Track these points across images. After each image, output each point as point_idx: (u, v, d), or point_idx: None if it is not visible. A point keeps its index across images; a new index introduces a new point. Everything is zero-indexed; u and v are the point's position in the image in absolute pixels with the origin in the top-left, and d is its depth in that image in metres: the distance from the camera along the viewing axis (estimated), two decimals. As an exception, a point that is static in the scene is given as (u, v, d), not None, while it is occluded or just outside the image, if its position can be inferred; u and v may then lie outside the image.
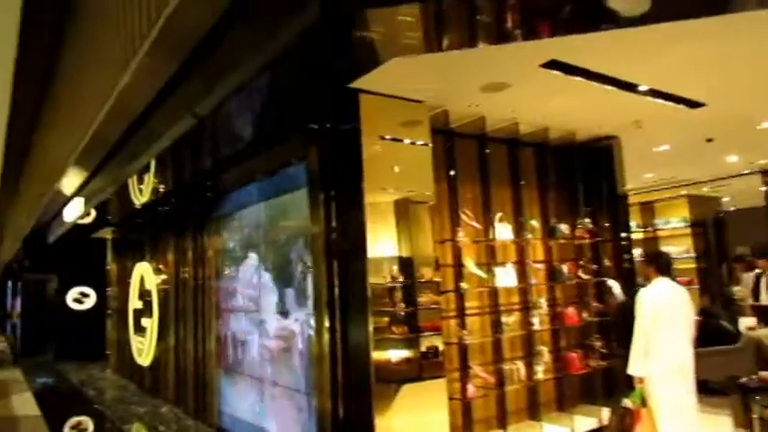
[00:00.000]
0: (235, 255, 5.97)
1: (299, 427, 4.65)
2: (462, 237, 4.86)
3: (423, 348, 4.08)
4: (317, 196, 4.47)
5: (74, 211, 8.02)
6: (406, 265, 4.12)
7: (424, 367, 4.05)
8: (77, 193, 7.26)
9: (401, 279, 4.05)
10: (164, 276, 8.06)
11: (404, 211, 4.19)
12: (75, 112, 6.14)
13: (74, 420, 7.25)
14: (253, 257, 5.58)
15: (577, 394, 5.63)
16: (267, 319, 5.25)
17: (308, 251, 4.62)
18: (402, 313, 4.03)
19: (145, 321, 8.67)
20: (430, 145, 4.37)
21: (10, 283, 19.76)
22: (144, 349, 8.59)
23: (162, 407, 7.37)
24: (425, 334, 4.12)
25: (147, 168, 7.38)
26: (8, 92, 8.26)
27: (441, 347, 4.19)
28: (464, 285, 4.84)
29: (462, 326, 4.83)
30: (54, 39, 7.27)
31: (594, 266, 5.82)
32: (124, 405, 7.68)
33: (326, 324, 4.25)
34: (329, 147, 4.39)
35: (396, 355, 3.94)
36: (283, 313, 5.01)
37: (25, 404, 8.21)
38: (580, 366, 5.47)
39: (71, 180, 6.88)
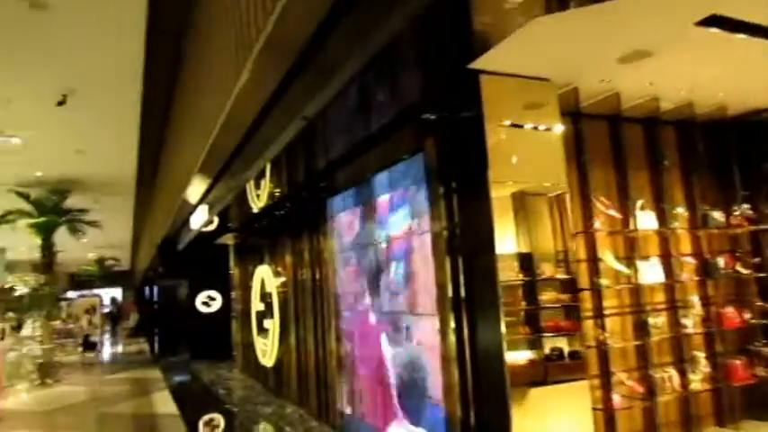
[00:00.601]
0: (351, 255, 5.89)
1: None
2: (599, 227, 4.37)
3: (546, 350, 3.73)
4: (437, 190, 4.23)
5: (199, 219, 8.45)
6: (526, 261, 3.78)
7: (548, 370, 3.70)
8: (202, 200, 7.61)
9: (522, 276, 3.72)
10: (283, 279, 8.24)
11: (524, 203, 3.84)
12: (196, 124, 6.46)
13: (207, 419, 7.58)
14: (368, 257, 5.44)
15: (741, 408, 4.89)
16: (388, 318, 5.08)
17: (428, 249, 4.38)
18: (524, 313, 3.73)
19: (267, 323, 8.93)
20: (560, 128, 3.96)
21: (147, 289, 21.60)
22: (267, 350, 8.85)
23: (287, 407, 7.51)
24: (549, 335, 3.76)
25: (263, 174, 7.60)
26: (138, 111, 8.94)
27: (566, 349, 3.81)
28: (602, 282, 4.35)
29: (601, 327, 4.34)
30: (174, 58, 7.73)
31: (756, 259, 5.04)
32: (251, 405, 7.93)
33: (452, 325, 3.99)
34: (448, 137, 4.12)
35: (519, 357, 3.61)
36: (402, 313, 4.81)
37: (164, 402, 8.77)
38: (744, 376, 4.75)
39: (196, 189, 7.23)
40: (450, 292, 4.04)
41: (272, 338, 8.58)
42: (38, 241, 12.91)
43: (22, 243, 16.58)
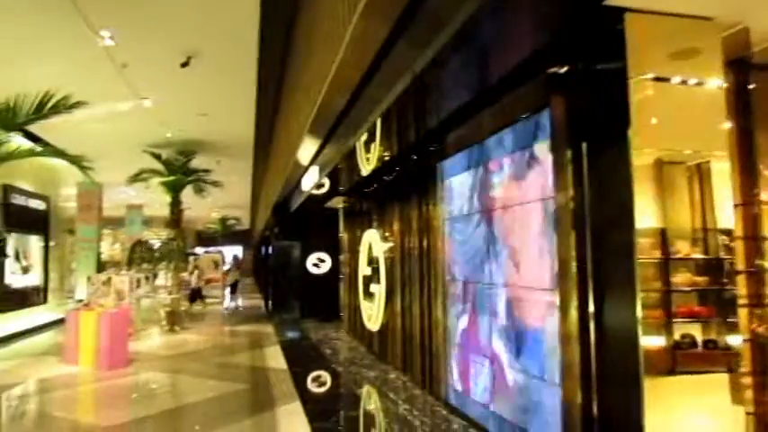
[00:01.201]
0: (461, 221, 5.55)
1: (538, 417, 4.05)
2: (766, 199, 3.66)
3: (676, 337, 3.19)
4: (564, 154, 3.75)
5: (310, 180, 8.51)
6: (662, 237, 3.22)
7: (678, 359, 3.16)
8: (312, 162, 7.61)
9: (657, 254, 3.18)
10: (390, 243, 8.11)
11: (664, 171, 3.26)
12: (306, 85, 6.38)
13: (313, 376, 7.75)
14: (481, 225, 5.08)
15: None
16: (499, 291, 4.72)
17: (549, 218, 3.93)
18: (656, 295, 3.19)
19: (373, 287, 8.91)
20: (721, 81, 3.29)
21: (263, 249, 22.77)
22: (373, 314, 8.85)
23: (390, 373, 7.46)
24: (680, 320, 3.22)
25: (372, 137, 7.43)
26: (255, 73, 9.12)
27: (700, 338, 3.25)
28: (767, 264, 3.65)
29: (760, 318, 3.67)
30: (288, 20, 7.69)
31: None
32: (356, 367, 7.99)
33: (575, 303, 3.56)
34: (581, 92, 3.61)
35: (648, 342, 3.11)
36: (515, 286, 4.42)
37: (275, 356, 9.13)
38: None
39: (306, 150, 7.22)
40: (574, 268, 3.60)
41: (378, 303, 8.54)
42: (168, 199, 13.92)
43: (156, 201, 18.12)
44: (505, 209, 4.67)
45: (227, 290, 20.77)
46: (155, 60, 8.02)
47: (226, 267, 23.69)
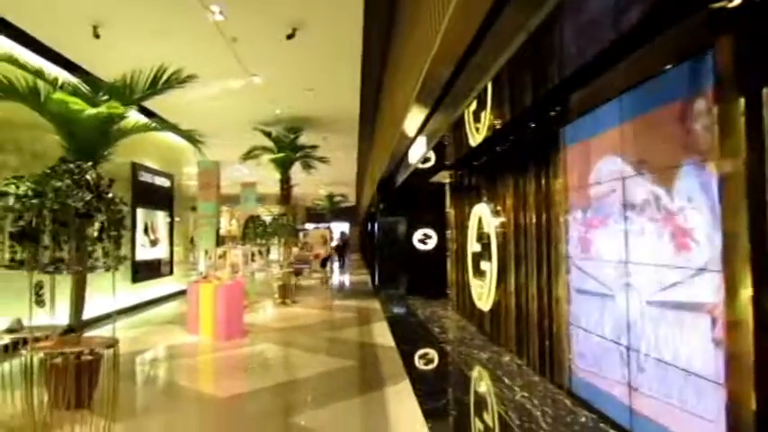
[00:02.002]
0: (589, 192, 4.93)
1: (690, 419, 3.45)
2: None
3: None
4: (732, 110, 3.06)
5: (417, 152, 8.16)
6: None
7: None
8: (419, 132, 7.26)
9: None
10: (502, 219, 7.58)
11: None
12: (412, 51, 6.03)
13: (422, 355, 7.50)
14: (614, 195, 4.44)
15: None
16: (640, 269, 4.10)
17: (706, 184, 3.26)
18: None
19: (483, 265, 8.45)
20: None
21: (369, 225, 22.96)
22: (483, 293, 8.41)
23: (503, 355, 7.02)
24: None
25: (482, 105, 6.91)
26: (359, 46, 8.87)
27: None
28: None
29: None
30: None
31: None
32: (465, 347, 7.62)
33: (747, 284, 2.92)
34: (756, 31, 2.90)
35: None
36: (658, 265, 3.79)
37: (382, 332, 9.01)
38: None
39: (413, 120, 6.87)
40: (746, 243, 2.94)
41: (489, 281, 8.08)
42: (277, 176, 14.28)
43: (268, 178, 18.77)
44: (647, 175, 4.01)
45: (335, 263, 21.24)
46: (262, 34, 8.02)
47: (334, 243, 24.30)
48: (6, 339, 4.09)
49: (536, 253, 6.26)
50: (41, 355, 3.97)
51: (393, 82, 8.62)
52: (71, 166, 3.93)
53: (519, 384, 5.70)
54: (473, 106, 7.02)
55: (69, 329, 4.06)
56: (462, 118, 7.50)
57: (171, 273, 14.39)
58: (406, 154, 9.15)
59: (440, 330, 9.07)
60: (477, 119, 7.34)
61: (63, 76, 6.60)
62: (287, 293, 12.83)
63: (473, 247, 9.18)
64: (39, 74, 4.86)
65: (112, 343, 4.21)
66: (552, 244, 5.79)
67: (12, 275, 4.04)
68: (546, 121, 5.82)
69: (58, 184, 3.75)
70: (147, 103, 10.27)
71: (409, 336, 8.74)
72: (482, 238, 8.61)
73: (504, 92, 6.23)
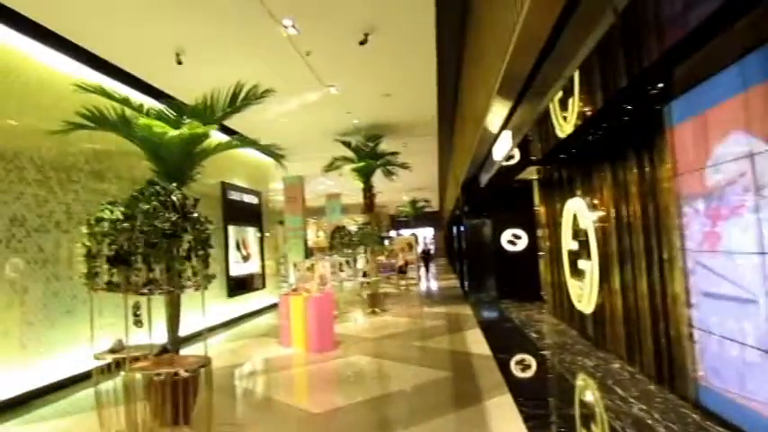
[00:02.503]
0: (703, 178, 4.34)
1: None
2: None
3: None
4: None
5: (502, 149, 7.74)
6: None
7: None
8: (504, 127, 6.85)
9: None
10: (601, 213, 6.99)
11: None
12: (491, 45, 5.70)
13: (521, 364, 7.04)
14: (742, 179, 3.85)
15: None
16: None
17: None
18: None
19: (582, 263, 7.85)
20: None
21: (454, 229, 22.52)
22: (584, 294, 7.81)
23: (611, 362, 6.42)
24: None
25: (570, 92, 6.40)
26: (433, 47, 8.61)
27: None
28: None
29: None
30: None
31: None
32: (568, 354, 7.07)
33: None
34: None
35: None
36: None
37: (476, 339, 8.62)
38: None
39: (496, 114, 6.50)
40: None
41: (590, 281, 7.47)
42: (360, 185, 14.28)
43: (352, 188, 18.91)
44: (781, 151, 3.42)
45: (422, 269, 20.97)
46: (334, 43, 7.97)
47: (420, 249, 24.09)
48: (109, 359, 4.19)
49: (643, 248, 5.67)
50: (138, 375, 4.02)
51: (471, 78, 8.28)
52: (157, 188, 3.98)
53: (634, 395, 5.13)
54: (559, 94, 6.54)
55: (164, 350, 4.09)
56: (547, 109, 7.02)
57: (263, 286, 14.78)
58: (489, 152, 8.75)
59: (537, 336, 8.53)
60: (564, 107, 6.83)
61: (149, 102, 6.87)
62: (376, 302, 12.73)
63: (569, 245, 8.58)
64: (125, 102, 5.03)
65: (205, 362, 4.21)
66: (663, 237, 5.20)
67: (114, 297, 4.17)
68: (645, 101, 5.25)
69: (146, 206, 3.80)
70: (231, 124, 10.58)
71: (505, 343, 8.29)
72: (578, 234, 8.01)
73: (593, 76, 5.72)
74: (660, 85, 4.86)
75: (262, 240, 14.96)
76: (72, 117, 5.26)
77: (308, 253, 19.93)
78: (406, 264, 20.75)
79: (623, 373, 5.93)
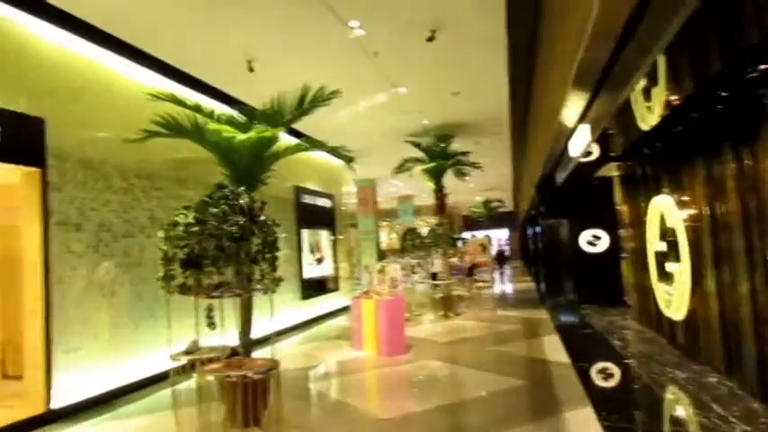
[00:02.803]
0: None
1: None
2: None
3: None
4: None
5: (579, 143, 7.31)
6: None
7: None
8: (581, 119, 6.46)
9: None
10: (692, 211, 6.43)
11: None
12: (565, 33, 5.37)
13: (603, 375, 6.60)
14: None
15: None
16: None
17: None
18: None
19: (670, 266, 7.27)
20: None
21: (529, 229, 21.81)
22: (673, 299, 7.22)
23: (706, 375, 5.87)
24: None
25: (654, 80, 5.92)
26: (503, 41, 8.30)
27: None
28: None
29: None
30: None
31: None
32: (657, 365, 6.54)
33: None
34: None
35: None
36: None
37: (553, 346, 8.21)
38: None
39: (572, 107, 6.13)
40: None
41: (680, 285, 6.90)
42: (431, 185, 14.10)
43: (423, 190, 18.79)
44: None
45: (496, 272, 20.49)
46: (401, 41, 7.85)
47: (494, 250, 23.55)
48: (184, 360, 4.29)
49: (744, 248, 5.12)
50: (210, 377, 4.08)
51: (545, 70, 7.90)
52: (226, 192, 4.03)
53: (736, 414, 4.63)
54: (641, 83, 6.08)
55: (233, 353, 4.13)
56: (628, 101, 6.55)
57: (337, 289, 14.92)
58: (565, 148, 8.31)
59: (621, 344, 7.99)
60: (647, 97, 6.34)
61: (222, 109, 7.04)
62: (449, 305, 12.49)
63: (655, 245, 7.98)
64: (197, 108, 5.17)
65: (273, 365, 4.20)
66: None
67: (192, 299, 4.27)
68: (743, 86, 4.74)
69: (215, 210, 3.85)
70: (301, 129, 10.72)
71: (586, 351, 7.82)
72: (666, 234, 7.43)
73: (680, 61, 5.26)
74: (762, 66, 4.37)
75: (335, 243, 15.12)
76: (150, 126, 5.47)
77: (381, 255, 19.98)
78: (474, 266, 20.36)
79: (721, 388, 5.39)
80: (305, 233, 12.94)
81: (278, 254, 4.14)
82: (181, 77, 8.30)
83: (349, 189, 17.59)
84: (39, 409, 5.69)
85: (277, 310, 11.21)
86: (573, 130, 7.05)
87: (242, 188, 4.17)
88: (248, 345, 5.14)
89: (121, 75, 7.24)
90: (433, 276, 13.65)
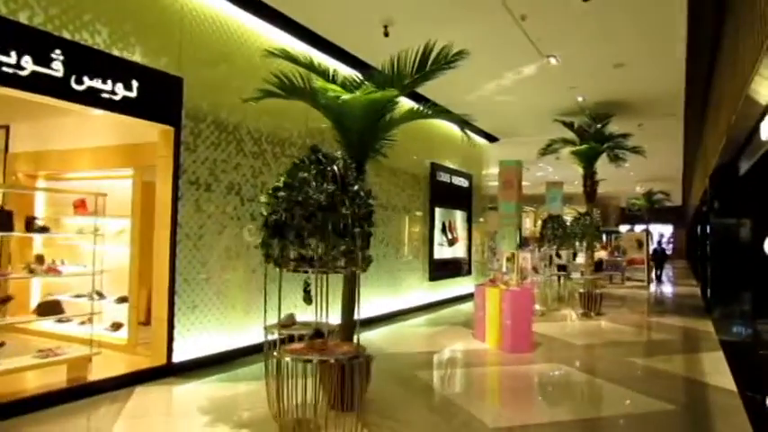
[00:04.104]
0: None
1: None
2: None
3: None
4: None
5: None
6: None
7: None
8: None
9: None
10: None
11: None
12: None
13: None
14: None
15: None
16: None
17: None
18: None
19: None
20: None
21: (699, 227, 19.10)
22: None
23: None
24: None
25: None
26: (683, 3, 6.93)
27: None
28: None
29: None
30: None
31: None
32: None
33: None
34: None
35: None
36: None
37: (715, 367, 6.85)
38: None
39: (766, 79, 4.82)
40: None
41: None
42: (579, 170, 12.75)
43: (577, 177, 17.22)
44: None
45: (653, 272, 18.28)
46: (555, 2, 6.88)
47: (652, 247, 21.08)
48: (275, 334, 4.08)
49: None
50: (287, 359, 3.80)
51: (734, 35, 6.42)
52: (320, 156, 3.66)
53: None
54: None
55: (317, 333, 3.80)
56: None
57: (469, 273, 14.30)
58: (755, 129, 6.75)
59: (811, 377, 6.37)
60: None
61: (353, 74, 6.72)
62: (590, 303, 11.24)
63: None
64: (311, 66, 4.88)
65: (357, 354, 3.80)
66: None
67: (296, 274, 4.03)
68: None
69: (304, 174, 3.51)
70: (443, 102, 10.14)
71: (759, 376, 6.36)
72: None
73: None
74: None
75: (470, 225, 14.46)
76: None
77: (523, 242, 18.82)
78: (601, 261, 18.37)
79: None
80: (438, 212, 12.47)
81: (371, 229, 3.69)
82: (318, 42, 8.07)
83: (492, 171, 16.67)
84: (160, 361, 5.97)
85: (402, 290, 10.99)
86: (766, 108, 5.62)
87: (339, 152, 3.78)
88: (350, 326, 4.83)
89: (262, 39, 7.26)
90: (561, 268, 12.40)
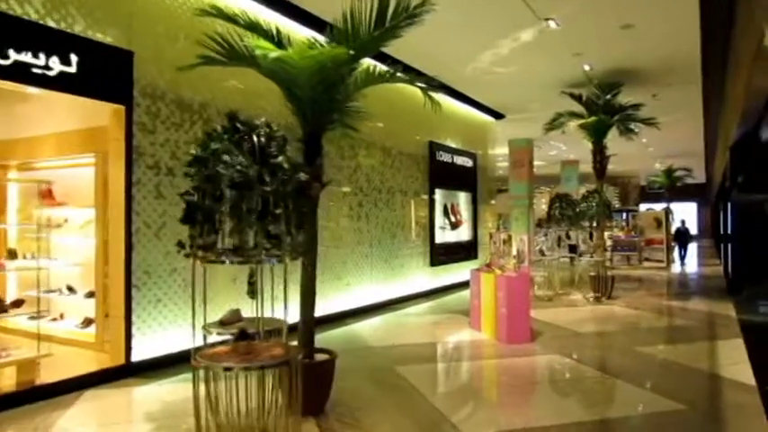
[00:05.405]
0: None
1: None
2: None
3: None
4: None
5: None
6: None
7: None
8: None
9: None
10: None
11: None
12: None
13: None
14: None
15: None
16: None
17: None
18: None
19: None
20: None
21: (721, 205, 18.13)
22: None
23: None
24: None
25: None
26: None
27: None
28: None
29: None
30: None
31: None
32: None
33: None
34: None
35: None
36: None
37: (732, 358, 6.14)
38: None
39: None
40: None
41: None
42: (588, 145, 11.95)
43: (590, 156, 16.36)
44: None
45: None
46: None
47: (675, 226, 20.15)
48: (214, 334, 3.55)
49: None
50: (203, 366, 3.25)
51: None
52: (237, 124, 3.08)
53: None
54: None
55: (242, 335, 3.25)
56: None
57: (475, 257, 13.64)
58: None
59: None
60: None
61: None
62: (601, 287, 10.54)
63: None
64: (253, 27, 4.27)
65: (290, 357, 3.24)
66: None
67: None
68: None
69: (216, 146, 2.95)
70: (442, 78, 9.43)
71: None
72: None
73: None
74: None
75: (475, 207, 13.78)
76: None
77: (536, 224, 18.05)
78: (648, 243, 17.56)
79: None
80: (438, 194, 11.81)
81: (304, 209, 3.11)
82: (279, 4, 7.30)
83: (499, 150, 15.89)
84: (119, 360, 5.51)
85: (400, 276, 10.42)
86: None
87: (262, 120, 3.19)
88: (310, 322, 4.29)
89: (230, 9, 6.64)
90: (572, 249, 11.63)
